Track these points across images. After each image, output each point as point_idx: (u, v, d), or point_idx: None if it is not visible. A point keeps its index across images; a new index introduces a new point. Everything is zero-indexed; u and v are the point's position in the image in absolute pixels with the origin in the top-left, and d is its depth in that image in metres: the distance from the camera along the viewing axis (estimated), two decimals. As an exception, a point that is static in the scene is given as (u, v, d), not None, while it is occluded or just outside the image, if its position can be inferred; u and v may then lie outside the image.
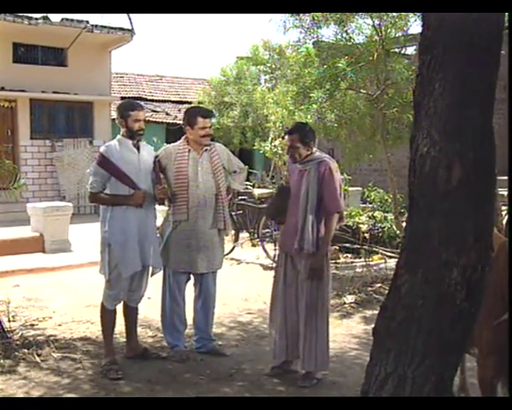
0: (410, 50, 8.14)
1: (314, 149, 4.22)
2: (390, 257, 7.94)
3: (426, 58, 2.43)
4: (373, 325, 2.65)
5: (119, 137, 4.36)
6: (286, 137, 4.29)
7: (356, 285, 6.57)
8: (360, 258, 8.33)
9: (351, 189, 10.83)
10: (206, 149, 4.55)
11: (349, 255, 8.59)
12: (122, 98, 16.04)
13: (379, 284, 6.65)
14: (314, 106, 7.36)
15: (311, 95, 7.36)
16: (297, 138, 4.15)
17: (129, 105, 4.35)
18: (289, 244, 4.16)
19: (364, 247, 8.44)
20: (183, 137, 4.60)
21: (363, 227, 9.02)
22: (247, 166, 5.05)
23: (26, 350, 4.53)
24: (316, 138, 4.41)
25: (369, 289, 6.55)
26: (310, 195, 4.09)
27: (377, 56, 7.16)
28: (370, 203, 10.54)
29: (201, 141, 4.49)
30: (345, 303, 6.10)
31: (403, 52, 7.86)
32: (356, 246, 8.60)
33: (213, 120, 4.77)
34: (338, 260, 8.24)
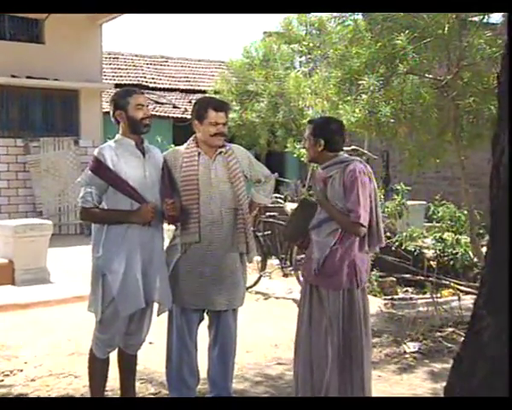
0: (496, 18, 8.02)
1: (341, 153, 4.37)
2: (465, 292, 7.88)
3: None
4: (444, 384, 2.64)
5: (118, 136, 4.41)
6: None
7: (420, 329, 6.54)
8: (425, 293, 8.29)
9: (411, 203, 10.80)
10: (220, 152, 4.60)
11: (410, 289, 8.56)
12: (117, 86, 16.32)
13: (451, 329, 6.62)
14: (364, 96, 7.36)
15: (361, 82, 7.36)
16: (309, 131, 4.37)
17: (124, 92, 4.44)
18: (309, 271, 4.27)
19: (430, 279, 8.40)
20: (192, 138, 4.66)
21: (429, 253, 8.99)
22: (275, 174, 5.07)
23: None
24: (343, 140, 4.48)
25: (438, 334, 6.52)
26: (335, 206, 4.21)
27: (449, 29, 7.12)
28: (438, 222, 10.47)
29: (211, 141, 4.53)
30: (405, 353, 6.09)
31: (485, 21, 7.73)
32: (419, 277, 8.56)
33: (230, 115, 4.82)
34: (395, 296, 8.20)
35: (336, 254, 4.20)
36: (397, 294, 8.39)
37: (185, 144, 4.67)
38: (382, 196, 9.53)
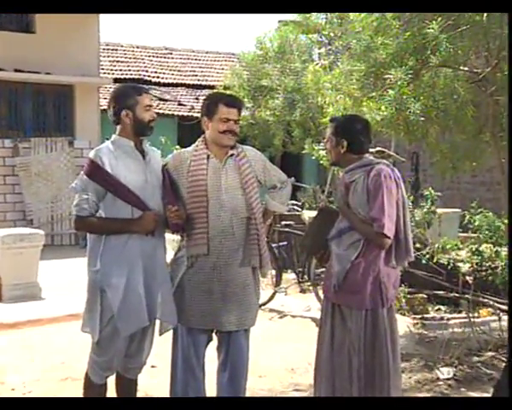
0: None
1: (366, 155, 4.39)
2: (506, 312, 7.82)
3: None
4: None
5: (114, 136, 4.43)
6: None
7: (454, 353, 6.51)
8: (460, 312, 8.24)
9: (443, 211, 10.76)
10: (231, 155, 4.60)
11: (443, 308, 8.51)
12: (115, 81, 16.41)
13: (490, 353, 6.60)
14: (391, 92, 7.33)
15: (387, 76, 7.34)
16: (331, 130, 4.41)
17: (132, 89, 4.44)
18: (329, 288, 4.31)
19: (466, 296, 8.35)
20: (200, 139, 4.67)
21: (464, 267, 8.94)
22: (292, 179, 5.07)
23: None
24: (368, 141, 4.48)
25: (476, 359, 6.50)
26: (358, 214, 4.22)
27: (488, 15, 7.10)
28: (474, 232, 10.41)
29: (221, 139, 4.54)
30: (438, 379, 6.06)
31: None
32: (453, 294, 8.51)
33: (242, 113, 4.84)
34: (426, 315, 8.16)
35: (359, 269, 4.20)
36: (428, 313, 8.35)
37: (193, 146, 4.68)
38: (411, 204, 9.48)
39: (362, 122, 4.55)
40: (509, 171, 2.68)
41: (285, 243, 9.63)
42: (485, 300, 8.34)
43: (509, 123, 2.61)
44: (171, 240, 4.95)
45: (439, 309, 8.50)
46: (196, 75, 21.24)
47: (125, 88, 4.58)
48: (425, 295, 8.65)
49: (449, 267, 8.89)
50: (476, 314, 8.01)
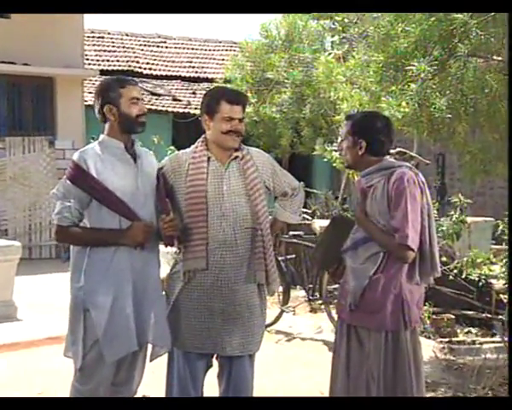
0: None
1: (387, 157, 4.42)
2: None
3: None
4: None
5: (102, 137, 4.44)
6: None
7: (487, 382, 6.50)
8: (493, 335, 8.22)
9: (472, 220, 10.74)
10: (235, 157, 4.61)
11: (473, 330, 8.49)
12: (102, 73, 16.45)
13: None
14: (413, 85, 7.34)
15: (409, 67, 7.34)
16: (347, 129, 4.41)
17: (114, 82, 4.45)
18: (344, 307, 4.33)
19: (500, 317, 8.33)
20: (201, 139, 4.68)
21: (498, 284, 8.91)
22: (301, 184, 5.07)
23: None
24: (390, 141, 4.47)
25: None
26: (377, 223, 4.23)
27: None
28: (509, 244, 10.41)
29: (223, 140, 4.55)
30: (468, 412, 6.02)
31: None
32: (485, 315, 8.49)
33: (247, 109, 4.84)
34: (454, 339, 8.15)
35: (377, 286, 4.21)
36: (456, 336, 8.34)
37: (192, 147, 4.69)
38: (436, 212, 9.46)
39: (383, 120, 4.54)
40: (508, 171, 2.69)
41: (293, 255, 9.62)
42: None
43: (509, 123, 2.62)
44: (166, 253, 4.93)
45: (468, 332, 8.49)
46: (193, 67, 21.32)
47: (107, 81, 4.57)
48: (453, 316, 8.63)
49: (480, 284, 8.87)
50: (511, 338, 7.99)
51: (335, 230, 4.59)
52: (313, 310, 9.42)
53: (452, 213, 10.05)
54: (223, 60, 20.57)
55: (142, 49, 21.34)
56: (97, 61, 19.68)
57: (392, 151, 10.15)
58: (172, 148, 10.89)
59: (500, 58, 7.64)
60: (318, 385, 6.50)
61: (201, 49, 22.32)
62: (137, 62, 20.62)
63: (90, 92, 14.43)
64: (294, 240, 9.64)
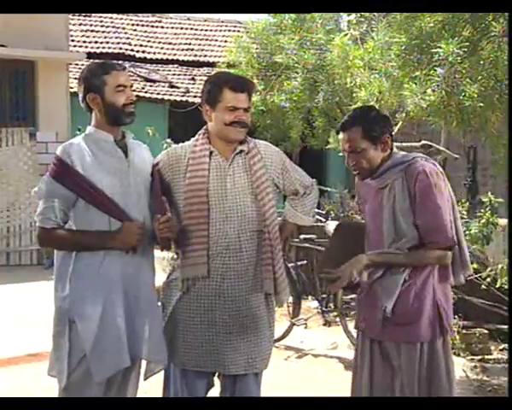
0: None
1: (395, 150, 4.38)
2: None
3: None
4: None
5: (89, 129, 4.46)
6: (340, 136, 4.46)
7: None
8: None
9: (505, 221, 10.73)
10: (240, 151, 4.62)
11: (508, 347, 8.49)
12: (89, 56, 16.46)
13: None
14: (440, 70, 7.35)
15: (435, 50, 7.35)
16: (359, 135, 4.31)
17: (97, 67, 4.46)
18: (372, 322, 4.27)
19: (539, 331, 8.35)
20: (202, 131, 4.69)
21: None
22: (313, 181, 5.07)
23: None
24: (388, 128, 4.45)
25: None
26: (398, 226, 4.20)
27: None
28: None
29: (227, 132, 4.55)
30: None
31: None
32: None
33: (253, 97, 4.87)
34: (488, 357, 8.15)
35: (409, 295, 4.20)
36: (490, 353, 8.34)
37: (191, 140, 4.69)
38: (465, 212, 9.42)
39: (375, 110, 4.55)
40: (508, 171, 2.73)
41: (304, 261, 9.57)
42: None
43: (509, 123, 2.66)
44: (161, 259, 4.95)
45: (503, 349, 8.48)
46: (192, 49, 21.31)
47: (90, 66, 4.55)
48: (485, 331, 8.61)
49: (515, 294, 8.89)
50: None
51: (342, 239, 4.53)
52: (327, 323, 9.40)
53: (483, 213, 10.06)
54: (225, 42, 20.51)
55: (135, 30, 21.34)
56: (84, 42, 19.68)
57: (416, 144, 10.20)
58: (169, 141, 10.90)
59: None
60: (333, 408, 6.56)
61: (201, 30, 22.30)
62: (129, 44, 20.61)
63: (76, 78, 14.44)
64: (306, 244, 9.58)
